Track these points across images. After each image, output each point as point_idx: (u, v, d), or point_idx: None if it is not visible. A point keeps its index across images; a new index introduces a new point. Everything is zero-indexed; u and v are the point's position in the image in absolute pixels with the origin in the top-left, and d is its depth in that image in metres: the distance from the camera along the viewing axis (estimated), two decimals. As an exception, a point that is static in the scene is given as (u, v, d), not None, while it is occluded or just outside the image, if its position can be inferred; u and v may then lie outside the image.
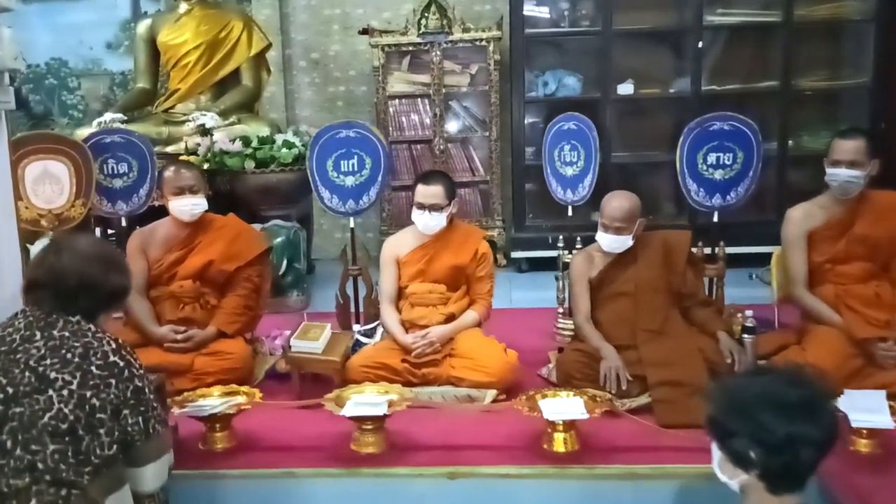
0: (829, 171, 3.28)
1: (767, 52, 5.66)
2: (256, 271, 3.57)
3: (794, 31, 5.50)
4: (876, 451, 2.59)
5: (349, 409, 2.67)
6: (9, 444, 1.82)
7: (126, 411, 1.94)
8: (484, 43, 5.81)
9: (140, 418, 1.97)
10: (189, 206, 3.46)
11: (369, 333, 3.72)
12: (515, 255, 5.81)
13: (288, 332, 3.61)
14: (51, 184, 3.70)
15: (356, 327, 3.79)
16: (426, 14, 5.83)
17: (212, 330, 3.41)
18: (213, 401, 2.79)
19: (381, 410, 2.65)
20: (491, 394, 3.14)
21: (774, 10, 5.52)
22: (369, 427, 2.70)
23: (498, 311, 3.79)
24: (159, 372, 2.83)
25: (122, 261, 2.21)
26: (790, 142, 5.52)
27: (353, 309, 3.98)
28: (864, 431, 2.58)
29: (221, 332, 3.42)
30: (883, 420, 2.52)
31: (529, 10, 5.75)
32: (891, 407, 2.62)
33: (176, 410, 2.76)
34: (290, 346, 3.27)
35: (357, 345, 3.56)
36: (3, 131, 2.82)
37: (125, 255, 2.75)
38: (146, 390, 2.01)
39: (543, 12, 5.91)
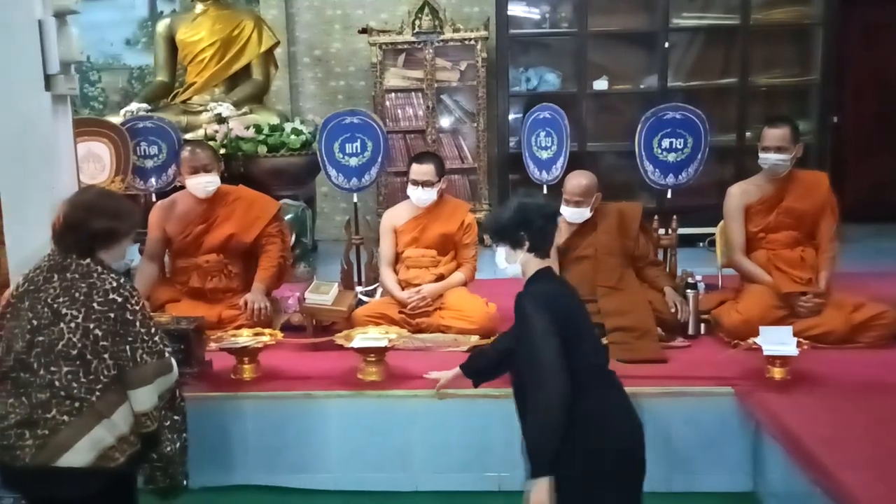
0: (761, 155, 3.86)
1: (727, 52, 6.27)
2: (276, 227, 4.04)
3: (751, 33, 6.12)
4: (786, 377, 3.17)
5: (357, 342, 3.25)
6: (35, 365, 2.26)
7: (118, 339, 2.27)
8: (472, 42, 6.39)
9: (128, 347, 2.28)
10: (203, 184, 3.89)
11: (370, 293, 4.30)
12: (500, 234, 6.38)
13: (298, 294, 4.16)
14: (93, 162, 4.25)
15: (359, 288, 4.36)
16: (420, 15, 6.40)
17: (259, 286, 3.86)
18: (243, 338, 3.36)
19: (383, 343, 3.23)
20: (474, 339, 3.71)
21: (734, 14, 6.14)
22: (372, 359, 3.27)
23: (484, 281, 4.36)
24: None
25: (113, 207, 2.45)
26: (747, 133, 6.13)
27: (355, 274, 4.54)
28: (777, 360, 3.16)
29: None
30: (789, 349, 3.11)
31: (513, 11, 6.34)
32: (803, 345, 3.21)
33: (213, 345, 3.34)
34: (304, 299, 3.83)
35: (360, 303, 4.12)
36: (68, 114, 3.39)
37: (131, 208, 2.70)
38: (136, 323, 2.29)
39: (526, 14, 6.50)
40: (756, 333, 3.27)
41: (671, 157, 4.30)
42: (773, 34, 6.26)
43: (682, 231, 4.36)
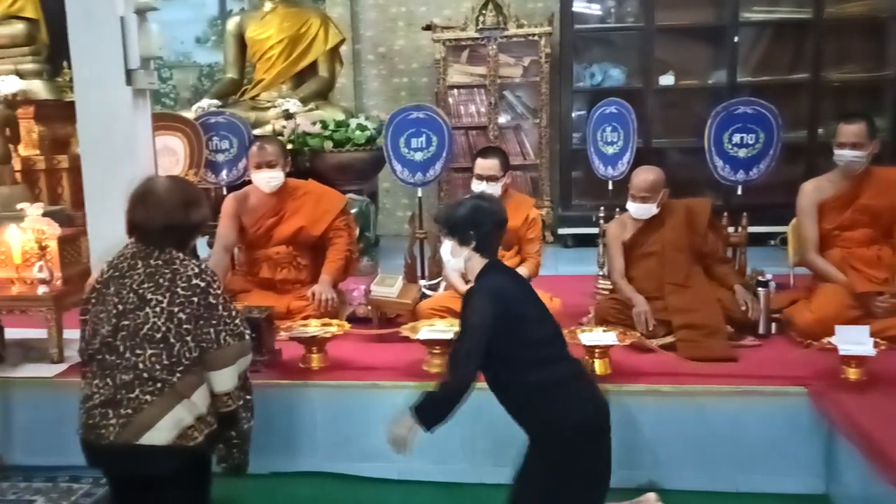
0: (836, 152, 3.75)
1: (799, 47, 6.13)
2: (343, 221, 4.12)
3: (824, 27, 5.97)
4: (862, 378, 3.08)
5: (423, 334, 3.28)
6: (120, 348, 2.35)
7: (202, 322, 2.37)
8: (536, 38, 6.38)
9: (212, 329, 2.38)
10: (266, 179, 3.97)
11: (434, 287, 4.32)
12: (562, 231, 6.37)
13: (363, 287, 4.22)
14: (168, 156, 4.38)
15: (422, 282, 4.39)
16: (483, 11, 6.38)
17: (326, 278, 3.94)
18: (312, 328, 3.42)
19: (449, 335, 3.25)
20: (538, 333, 3.70)
21: (806, 7, 6.00)
22: (437, 351, 3.29)
23: (546, 278, 4.35)
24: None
25: (198, 197, 2.56)
26: (819, 130, 5.97)
27: (419, 267, 4.58)
28: (853, 361, 3.08)
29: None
30: (866, 349, 3.03)
31: (578, 7, 6.30)
32: (880, 346, 3.11)
33: (283, 335, 3.41)
34: (370, 291, 3.89)
35: (423, 297, 4.15)
36: (147, 108, 3.50)
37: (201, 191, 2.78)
38: (219, 307, 2.40)
39: (591, 9, 6.46)
40: (829, 333, 3.19)
41: (742, 153, 4.22)
42: (846, 28, 6.09)
43: (750, 229, 4.28)
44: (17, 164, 4.58)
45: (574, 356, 2.64)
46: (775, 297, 3.83)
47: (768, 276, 3.86)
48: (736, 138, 4.21)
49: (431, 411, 2.46)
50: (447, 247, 2.64)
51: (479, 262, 2.59)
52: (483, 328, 2.42)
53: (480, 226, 2.57)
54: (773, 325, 3.72)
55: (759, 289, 3.71)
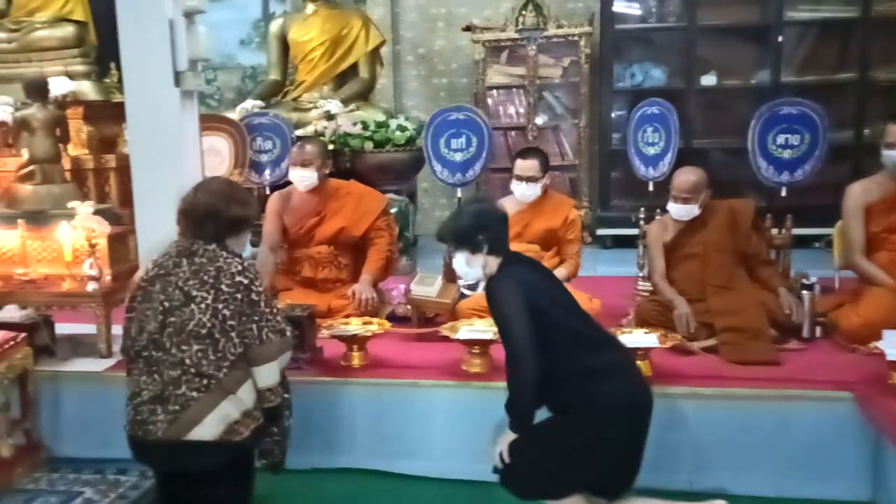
0: (884, 153, 3.68)
1: (845, 46, 6.02)
2: (384, 221, 4.17)
3: (871, 26, 5.84)
4: (911, 384, 3.02)
5: (462, 334, 3.30)
6: (167, 344, 2.40)
7: (244, 318, 2.42)
8: (576, 38, 6.35)
9: (254, 325, 2.42)
10: (299, 178, 4.03)
11: (472, 287, 4.32)
12: (601, 232, 6.33)
13: (403, 286, 4.25)
14: (214, 155, 4.46)
15: (461, 282, 4.39)
16: (523, 12, 6.41)
17: (367, 278, 4.00)
18: (353, 326, 3.46)
19: (489, 335, 3.26)
20: (578, 334, 3.69)
21: (853, 6, 5.87)
22: (477, 351, 3.30)
23: (584, 279, 4.34)
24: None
25: (243, 196, 2.67)
26: (866, 130, 5.85)
27: (458, 268, 4.59)
28: (900, 367, 3.02)
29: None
30: (915, 355, 2.97)
31: (619, 7, 6.26)
32: (929, 352, 3.05)
33: (324, 333, 3.45)
34: (410, 290, 3.91)
35: (462, 297, 4.16)
36: (195, 109, 3.57)
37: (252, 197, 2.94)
38: (261, 303, 2.44)
39: (632, 9, 6.41)
40: (876, 338, 3.13)
41: (787, 154, 4.16)
42: (894, 26, 5.94)
43: (795, 231, 4.21)
44: (66, 164, 4.69)
45: (617, 341, 2.71)
46: (820, 300, 3.77)
47: (813, 279, 3.80)
48: (780, 139, 4.15)
49: (518, 417, 2.51)
50: (461, 261, 2.65)
51: (496, 264, 2.61)
52: (517, 314, 2.44)
53: (488, 227, 2.60)
54: (818, 329, 3.66)
55: (804, 292, 3.65)
